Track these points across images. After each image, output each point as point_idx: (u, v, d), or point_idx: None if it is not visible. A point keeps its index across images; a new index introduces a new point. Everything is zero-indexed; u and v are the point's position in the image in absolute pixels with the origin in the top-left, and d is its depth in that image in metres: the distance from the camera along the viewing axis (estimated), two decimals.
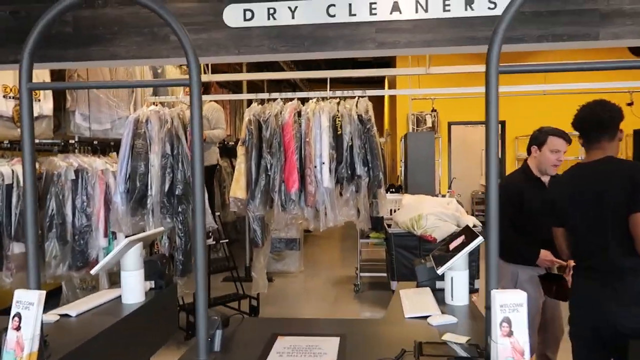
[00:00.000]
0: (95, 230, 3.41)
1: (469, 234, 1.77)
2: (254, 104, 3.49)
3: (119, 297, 1.91)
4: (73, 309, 1.69)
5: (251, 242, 4.16)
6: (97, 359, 1.52)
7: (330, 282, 5.54)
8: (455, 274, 1.71)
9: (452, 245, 1.78)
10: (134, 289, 1.88)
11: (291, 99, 3.60)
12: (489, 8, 2.49)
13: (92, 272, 1.86)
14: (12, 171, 2.99)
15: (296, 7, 2.55)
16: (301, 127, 3.38)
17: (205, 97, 4.06)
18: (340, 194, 3.33)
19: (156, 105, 3.54)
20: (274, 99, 3.60)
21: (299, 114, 3.44)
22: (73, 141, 3.66)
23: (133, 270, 1.88)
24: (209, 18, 2.56)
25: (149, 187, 3.39)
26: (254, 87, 7.02)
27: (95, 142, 3.82)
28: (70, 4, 1.38)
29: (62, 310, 1.70)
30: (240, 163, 3.39)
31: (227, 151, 4.57)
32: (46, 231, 3.17)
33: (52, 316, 1.63)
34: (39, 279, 1.37)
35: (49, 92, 3.62)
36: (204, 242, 1.31)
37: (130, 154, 3.40)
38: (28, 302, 1.31)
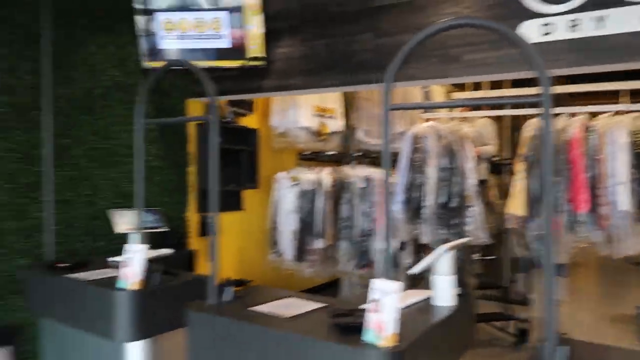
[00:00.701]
0: (375, 234, 3.77)
1: None
2: (535, 119, 3.38)
3: (428, 298, 2.08)
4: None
5: (525, 262, 4.02)
6: (429, 350, 1.69)
7: (605, 319, 4.93)
8: None
9: None
10: (446, 292, 2.02)
11: (574, 114, 3.38)
12: None
13: (410, 272, 2.07)
14: (316, 178, 3.55)
15: (605, 17, 2.39)
16: (591, 144, 3.13)
17: (476, 113, 4.13)
18: None
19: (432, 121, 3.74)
20: (557, 114, 3.42)
21: (587, 128, 3.20)
22: (358, 154, 4.15)
23: (446, 275, 2.02)
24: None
25: (425, 199, 3.59)
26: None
27: (374, 155, 4.24)
28: (427, 34, 1.58)
29: None
30: (519, 179, 3.32)
31: (494, 166, 4.54)
32: (339, 231, 3.66)
33: None
34: (390, 272, 1.60)
35: (342, 112, 4.19)
36: (552, 259, 1.34)
37: (409, 166, 3.67)
38: (386, 291, 1.54)
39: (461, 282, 2.19)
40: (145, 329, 2.26)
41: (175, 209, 3.71)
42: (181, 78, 3.65)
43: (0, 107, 2.65)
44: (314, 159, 4.19)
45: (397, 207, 3.71)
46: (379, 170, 3.93)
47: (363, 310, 1.85)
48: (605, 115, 3.24)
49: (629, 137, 3.02)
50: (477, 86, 4.39)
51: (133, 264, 2.20)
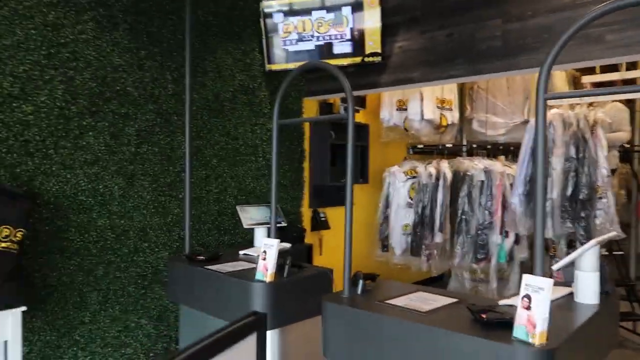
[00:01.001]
0: (494, 227, 3.65)
1: None
2: None
3: (570, 294, 1.98)
4: None
5: None
6: (578, 350, 1.62)
7: None
8: None
9: None
10: (589, 289, 1.91)
11: None
12: None
13: (555, 267, 1.98)
14: (435, 171, 3.50)
15: None
16: None
17: (605, 97, 3.80)
18: None
19: (558, 108, 3.52)
20: None
21: None
22: (474, 145, 4.03)
23: (589, 272, 1.91)
24: None
25: (550, 191, 3.40)
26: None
27: (489, 147, 4.09)
28: (595, 16, 1.49)
29: None
30: None
31: (626, 155, 4.17)
32: (457, 224, 3.60)
33: None
34: (541, 268, 1.55)
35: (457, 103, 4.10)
36: None
37: (531, 157, 3.49)
38: (538, 287, 1.49)
39: (604, 279, 2.06)
40: (279, 318, 2.39)
41: (291, 204, 3.87)
42: (296, 78, 3.78)
43: (148, 114, 2.94)
44: (423, 152, 4.14)
45: (517, 200, 3.55)
46: (497, 162, 3.79)
47: (503, 307, 1.81)
48: None
49: None
50: (603, 68, 4.04)
51: (269, 257, 2.34)
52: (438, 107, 3.97)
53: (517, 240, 4.01)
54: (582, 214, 3.36)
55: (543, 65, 1.64)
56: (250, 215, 3.32)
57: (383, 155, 4.71)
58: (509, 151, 4.42)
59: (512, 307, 1.75)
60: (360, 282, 2.12)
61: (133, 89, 2.86)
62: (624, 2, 1.40)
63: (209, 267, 2.68)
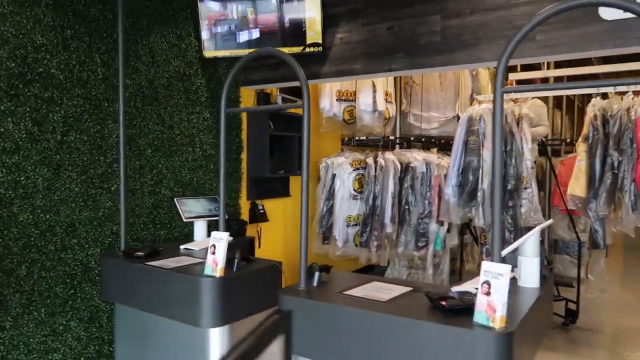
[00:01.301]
0: (433, 216, 3.79)
1: None
2: (597, 99, 3.33)
3: (512, 279, 2.09)
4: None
5: (567, 243, 4.03)
6: (529, 332, 1.72)
7: None
8: None
9: None
10: (532, 274, 2.04)
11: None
12: None
13: (503, 253, 2.07)
14: (384, 162, 3.56)
15: None
16: None
17: (527, 94, 4.08)
18: None
19: (488, 103, 3.71)
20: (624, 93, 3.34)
21: None
22: (411, 138, 4.15)
23: (532, 257, 2.03)
24: (581, 13, 2.53)
25: (480, 181, 3.59)
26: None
27: (423, 139, 4.23)
28: (553, 12, 1.55)
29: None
30: (581, 160, 3.29)
31: (543, 148, 4.50)
32: (401, 214, 3.69)
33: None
34: (499, 255, 1.61)
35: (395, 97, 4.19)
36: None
37: (464, 149, 3.66)
38: (497, 273, 1.55)
39: (541, 264, 2.20)
40: (228, 314, 2.31)
41: (229, 196, 3.76)
42: (232, 66, 3.66)
43: (76, 99, 2.70)
44: (360, 143, 4.18)
45: (450, 191, 3.71)
46: (432, 154, 3.93)
47: (457, 293, 1.88)
48: None
49: None
50: (525, 66, 4.32)
51: (218, 251, 2.24)
52: (388, 102, 4.04)
53: (448, 229, 4.21)
54: (510, 203, 3.58)
55: (500, 60, 1.70)
56: (189, 208, 3.18)
57: (317, 146, 4.70)
58: (440, 144, 4.61)
59: (467, 293, 1.83)
60: (317, 273, 2.10)
61: (58, 71, 2.61)
62: (580, 2, 1.48)
63: (150, 263, 2.53)
